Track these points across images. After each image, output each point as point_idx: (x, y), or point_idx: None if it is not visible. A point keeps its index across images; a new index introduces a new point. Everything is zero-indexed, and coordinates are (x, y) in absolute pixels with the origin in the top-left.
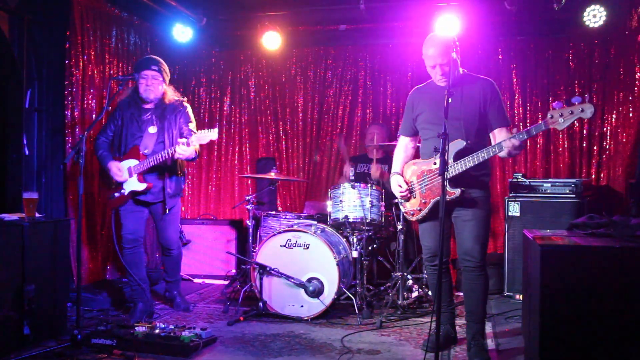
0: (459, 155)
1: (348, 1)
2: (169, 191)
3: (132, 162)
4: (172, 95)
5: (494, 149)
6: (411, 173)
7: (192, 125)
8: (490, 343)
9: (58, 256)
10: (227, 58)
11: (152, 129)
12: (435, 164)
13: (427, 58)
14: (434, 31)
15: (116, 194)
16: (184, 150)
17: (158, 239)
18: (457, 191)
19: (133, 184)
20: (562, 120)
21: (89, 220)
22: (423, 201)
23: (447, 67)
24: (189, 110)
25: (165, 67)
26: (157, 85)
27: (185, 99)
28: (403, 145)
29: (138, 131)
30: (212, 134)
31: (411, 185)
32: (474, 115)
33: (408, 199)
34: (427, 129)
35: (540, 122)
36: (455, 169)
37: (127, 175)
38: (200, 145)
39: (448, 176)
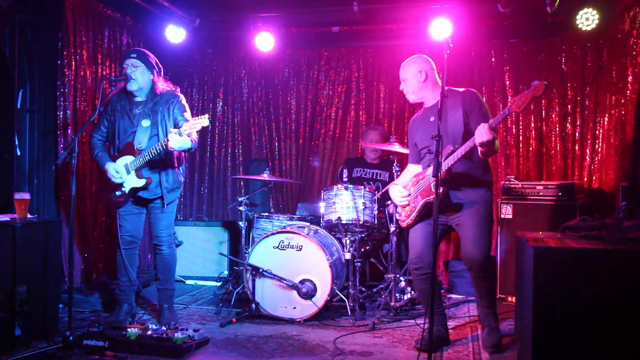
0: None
1: (341, 3)
2: (166, 185)
3: (128, 159)
4: (162, 86)
5: (470, 143)
6: (410, 184)
7: (188, 115)
8: None
9: (50, 257)
10: (220, 59)
11: (145, 122)
12: (428, 171)
13: None
14: (427, 33)
15: (117, 193)
16: (176, 140)
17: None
18: (440, 190)
19: (132, 181)
20: (521, 102)
21: (80, 221)
22: (413, 205)
23: (403, 84)
24: (183, 99)
25: (150, 57)
26: (138, 74)
27: (178, 88)
28: (409, 170)
29: (130, 126)
30: (202, 121)
31: (410, 193)
32: (458, 123)
33: (406, 206)
34: (422, 149)
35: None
36: (441, 168)
37: (125, 174)
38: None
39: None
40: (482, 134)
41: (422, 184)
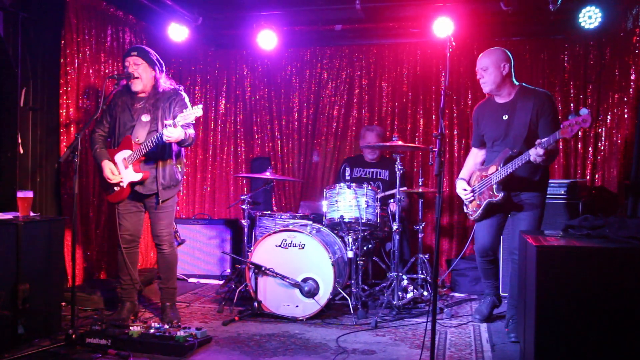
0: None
1: (344, 1)
2: (162, 182)
3: (125, 153)
4: (165, 83)
5: (526, 157)
6: (475, 178)
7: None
8: (485, 344)
9: (52, 255)
10: (222, 57)
11: (145, 118)
12: (490, 170)
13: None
14: (430, 31)
15: (116, 188)
16: (172, 132)
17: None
18: (500, 195)
19: (130, 175)
20: (570, 130)
21: (83, 219)
22: (478, 203)
23: (483, 73)
24: (185, 97)
25: (152, 54)
26: (140, 71)
27: (182, 87)
28: (473, 155)
29: (130, 120)
30: (195, 111)
31: (474, 189)
32: (523, 127)
33: (472, 201)
34: (489, 143)
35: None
36: (500, 174)
37: (123, 169)
38: (196, 145)
39: (496, 180)
40: (537, 154)
41: (486, 182)
